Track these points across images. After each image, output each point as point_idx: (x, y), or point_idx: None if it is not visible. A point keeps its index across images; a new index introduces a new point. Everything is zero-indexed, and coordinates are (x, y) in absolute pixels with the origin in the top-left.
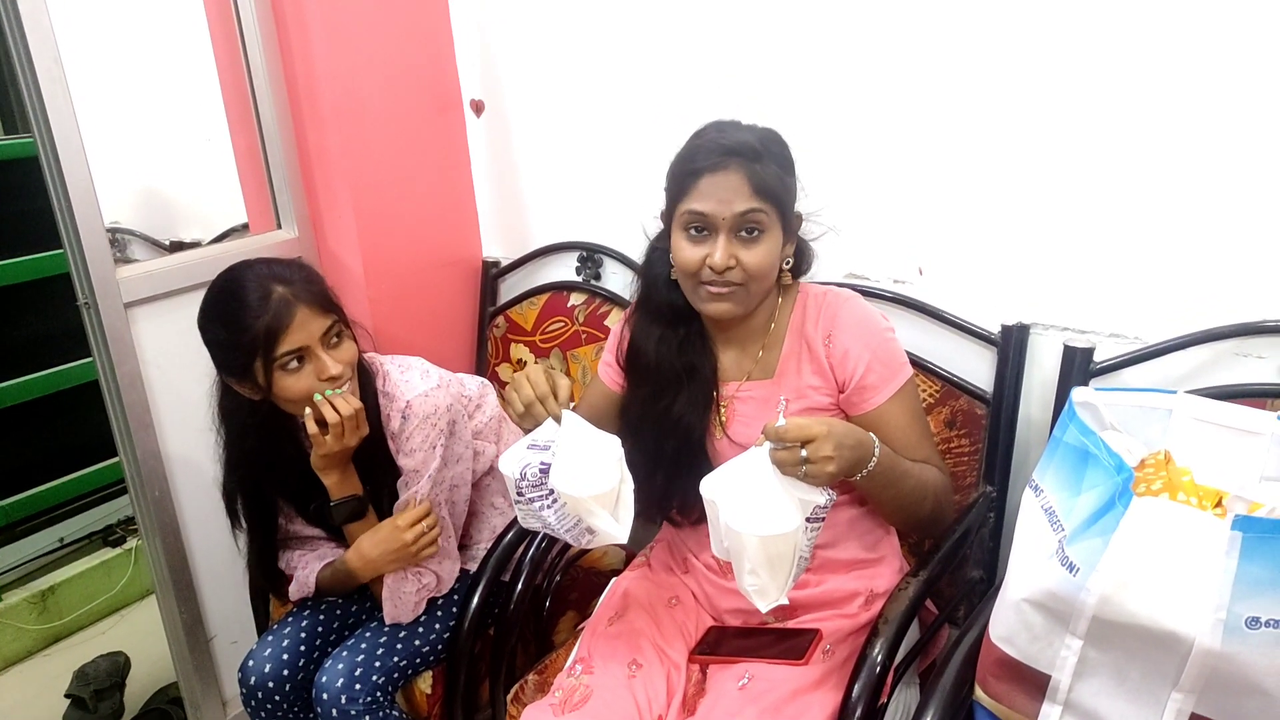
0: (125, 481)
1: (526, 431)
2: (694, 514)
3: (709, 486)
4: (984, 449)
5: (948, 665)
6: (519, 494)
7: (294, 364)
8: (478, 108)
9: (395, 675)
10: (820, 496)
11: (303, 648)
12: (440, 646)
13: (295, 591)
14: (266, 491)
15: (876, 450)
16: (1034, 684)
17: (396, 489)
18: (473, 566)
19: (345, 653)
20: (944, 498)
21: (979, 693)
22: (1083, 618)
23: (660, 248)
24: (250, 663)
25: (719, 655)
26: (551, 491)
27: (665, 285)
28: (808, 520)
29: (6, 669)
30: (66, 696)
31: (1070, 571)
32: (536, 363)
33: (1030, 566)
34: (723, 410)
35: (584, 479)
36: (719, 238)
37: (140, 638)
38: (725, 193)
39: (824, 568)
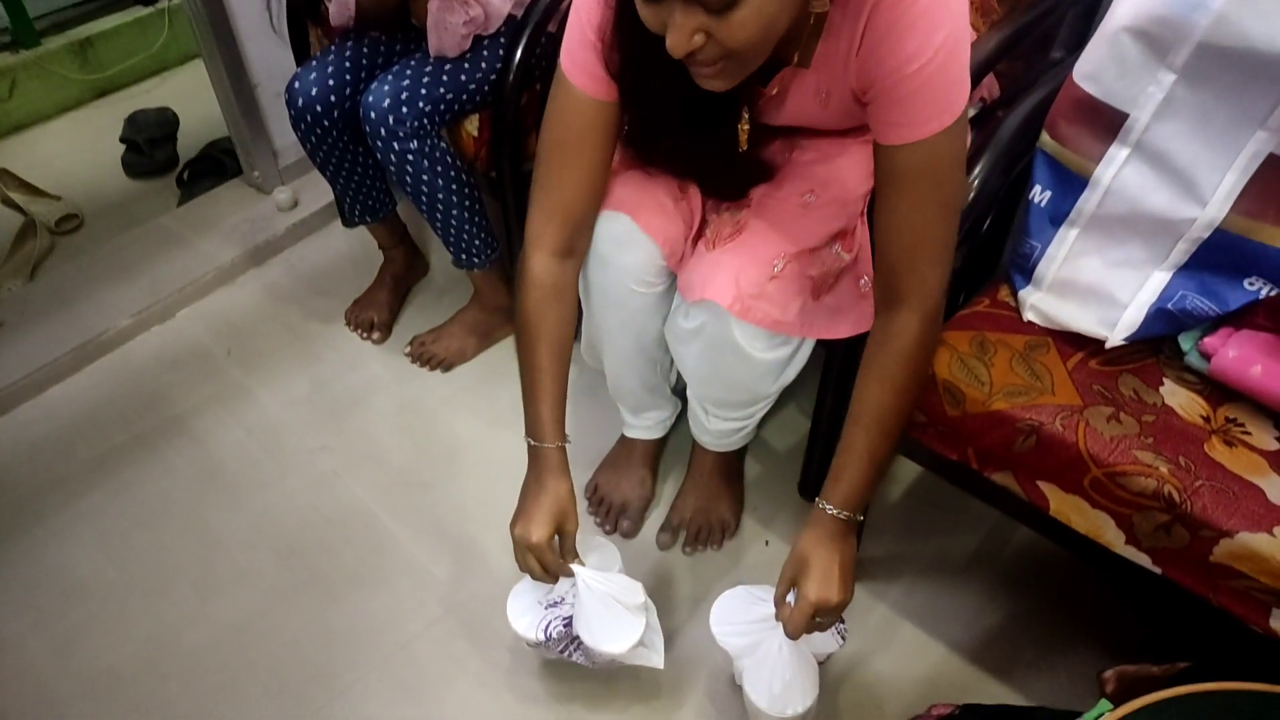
0: None
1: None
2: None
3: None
4: None
5: (1010, 114)
6: (544, 647)
7: None
8: None
9: (441, 108)
10: (833, 644)
11: (348, 76)
12: (487, 88)
13: (335, 14)
14: None
15: (851, 514)
16: (1107, 125)
17: None
18: (520, 13)
19: (391, 77)
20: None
21: (1044, 137)
22: (1187, 44)
23: None
24: (296, 84)
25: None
26: (577, 638)
27: None
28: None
29: (59, 115)
30: (122, 141)
31: None
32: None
33: None
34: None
35: (613, 635)
36: (673, 9)
37: (185, 99)
38: None
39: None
